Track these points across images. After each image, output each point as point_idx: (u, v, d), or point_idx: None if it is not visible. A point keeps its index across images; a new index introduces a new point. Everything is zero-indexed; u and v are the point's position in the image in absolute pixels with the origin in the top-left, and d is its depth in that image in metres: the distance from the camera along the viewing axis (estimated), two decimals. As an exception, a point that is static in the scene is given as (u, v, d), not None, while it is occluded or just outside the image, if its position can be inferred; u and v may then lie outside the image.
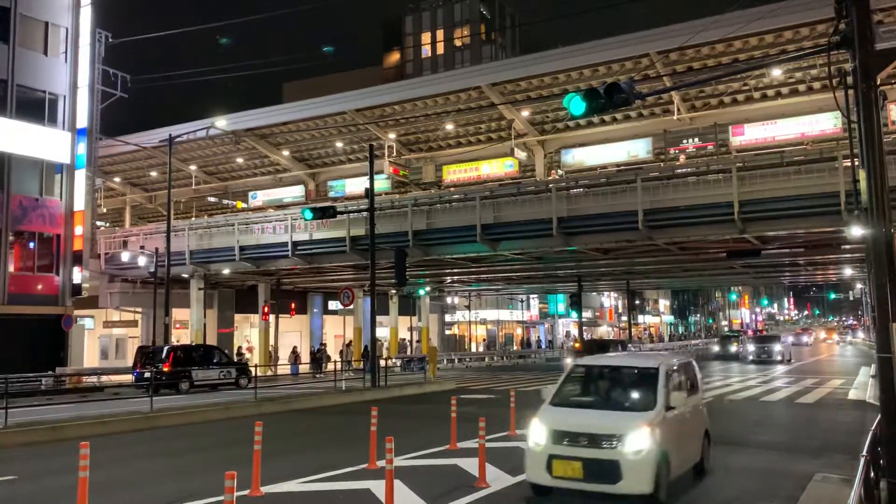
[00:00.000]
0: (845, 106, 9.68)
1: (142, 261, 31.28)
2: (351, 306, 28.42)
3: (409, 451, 11.48)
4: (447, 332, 58.01)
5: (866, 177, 6.99)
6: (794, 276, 49.08)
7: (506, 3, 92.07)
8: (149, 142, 35.19)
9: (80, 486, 7.03)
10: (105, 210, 44.11)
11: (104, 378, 28.95)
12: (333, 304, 43.89)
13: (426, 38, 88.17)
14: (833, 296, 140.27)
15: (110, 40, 33.30)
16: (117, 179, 42.78)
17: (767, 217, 21.46)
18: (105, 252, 34.88)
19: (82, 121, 29.89)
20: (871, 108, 6.94)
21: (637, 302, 72.56)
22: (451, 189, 32.52)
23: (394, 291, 41.29)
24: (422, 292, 41.91)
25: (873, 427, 7.84)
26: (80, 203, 29.67)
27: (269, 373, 32.29)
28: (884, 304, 6.70)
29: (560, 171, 31.72)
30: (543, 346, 63.83)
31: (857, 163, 12.38)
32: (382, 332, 41.72)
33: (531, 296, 63.91)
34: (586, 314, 64.37)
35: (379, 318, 28.14)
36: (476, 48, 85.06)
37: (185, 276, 33.45)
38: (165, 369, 24.35)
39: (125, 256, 32.57)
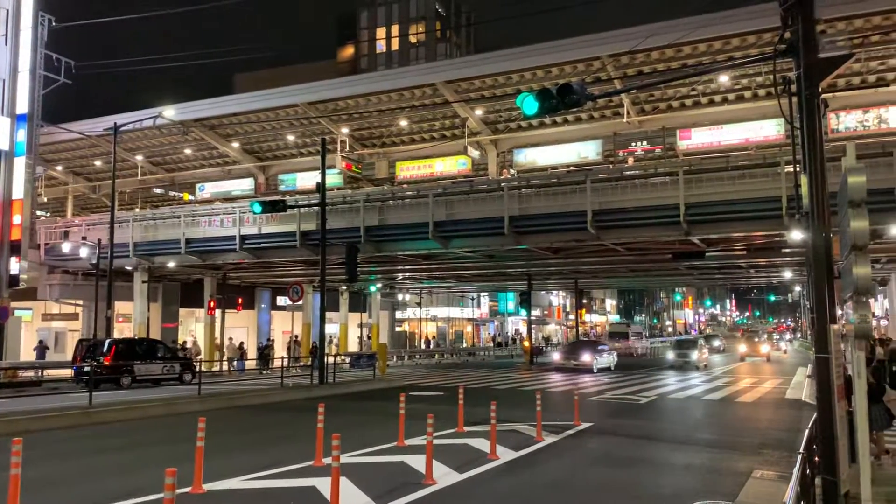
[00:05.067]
0: (789, 113, 9.94)
1: (83, 252, 30.44)
2: (300, 302, 28.10)
3: (357, 448, 11.41)
4: (398, 328, 57.90)
5: (808, 182, 7.18)
6: (736, 278, 50.37)
7: (461, 1, 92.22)
8: (93, 130, 34.22)
9: (11, 483, 6.78)
10: (46, 199, 42.77)
11: (42, 372, 28.05)
12: (282, 300, 43.38)
13: (381, 33, 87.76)
14: (773, 298, 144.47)
15: (54, 24, 32.24)
16: (59, 168, 41.49)
17: (712, 220, 21.94)
18: (45, 242, 33.82)
19: (23, 106, 28.87)
20: (813, 114, 7.13)
21: (584, 301, 73.48)
22: (404, 185, 32.44)
23: (344, 287, 40.98)
24: (373, 289, 41.72)
25: (809, 425, 8.08)
26: (18, 191, 28.66)
27: (215, 368, 31.73)
28: (822, 306, 6.89)
29: (512, 171, 31.91)
30: (493, 344, 64.14)
31: (798, 168, 12.75)
32: (332, 329, 41.38)
33: (482, 293, 64.21)
34: (535, 312, 64.87)
35: (329, 315, 27.89)
36: (431, 45, 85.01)
37: (129, 268, 32.65)
38: (106, 363, 23.71)
39: (66, 247, 31.62)
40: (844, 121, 25.98)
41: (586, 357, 33.23)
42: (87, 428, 14.49)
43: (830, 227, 7.12)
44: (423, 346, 56.14)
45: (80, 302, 35.11)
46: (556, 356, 36.92)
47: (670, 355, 37.69)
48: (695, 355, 35.94)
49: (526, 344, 41.97)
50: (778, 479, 9.23)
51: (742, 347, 46.82)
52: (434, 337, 62.04)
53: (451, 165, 33.02)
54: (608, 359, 34.89)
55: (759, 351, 45.46)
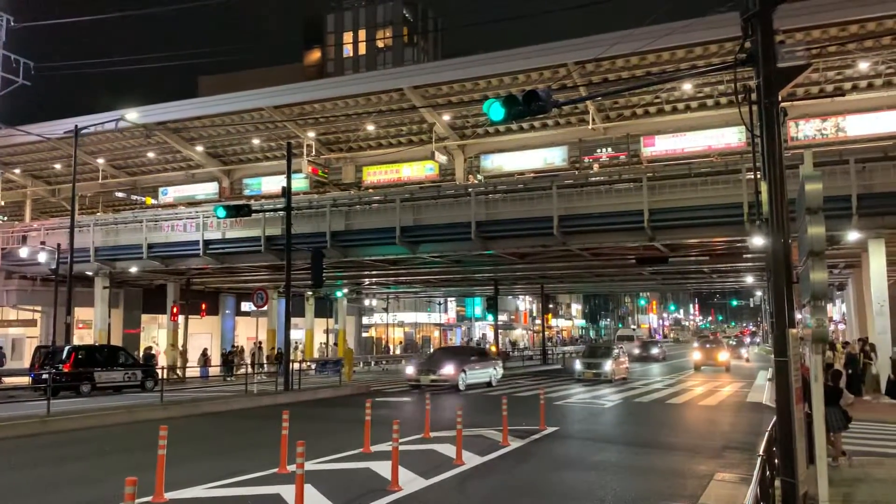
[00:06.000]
0: (749, 121, 10.13)
1: (42, 257, 29.79)
2: (265, 308, 27.81)
3: (322, 455, 11.32)
4: (364, 334, 57.66)
5: (767, 189, 7.31)
6: (699, 282, 51.02)
7: (428, 6, 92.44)
8: (53, 133, 33.51)
9: (-35, 495, 6.61)
10: (3, 203, 41.77)
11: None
12: (246, 306, 42.90)
13: (348, 37, 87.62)
14: (735, 303, 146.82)
15: (12, 24, 31.62)
16: (17, 171, 40.56)
17: (675, 225, 22.25)
18: (2, 247, 33.05)
19: (-21, 108, 28.24)
20: (773, 123, 7.26)
21: (551, 305, 73.98)
22: (371, 190, 32.32)
23: (310, 293, 40.67)
24: (339, 294, 41.47)
25: (769, 428, 8.22)
26: (-26, 194, 28.02)
27: (177, 375, 31.28)
28: (781, 310, 7.01)
29: (479, 176, 31.99)
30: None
31: (759, 175, 12.99)
32: (298, 335, 41.04)
33: (449, 298, 64.26)
34: (502, 317, 65.12)
35: (294, 320, 27.68)
36: (398, 50, 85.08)
37: (90, 273, 32.03)
38: (66, 370, 23.24)
39: (24, 252, 30.94)
40: (803, 129, 26.53)
41: (449, 370, 25.11)
42: (44, 437, 14.17)
43: (789, 233, 7.25)
44: (382, 351, 56.01)
45: (39, 308, 34.35)
46: (409, 370, 27.05)
47: (577, 366, 30.27)
48: (607, 366, 28.76)
49: (493, 349, 42.07)
50: (739, 481, 9.37)
51: (696, 355, 38.79)
52: (401, 342, 61.94)
53: (418, 170, 32.99)
54: (488, 372, 27.31)
55: (716, 359, 37.77)
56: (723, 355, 37.77)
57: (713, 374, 34.81)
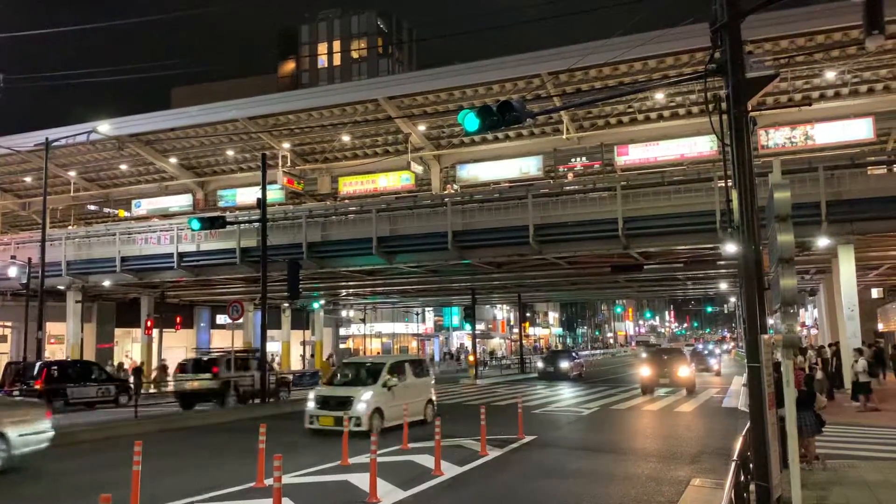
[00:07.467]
0: (720, 129, 10.27)
1: (13, 271, 29.35)
2: (240, 320, 27.57)
3: (299, 468, 11.24)
4: (342, 345, 57.37)
5: (738, 197, 7.43)
6: (674, 289, 51.50)
7: (403, 17, 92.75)
8: (23, 145, 33.04)
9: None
10: (-29, 217, 41.09)
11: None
12: (222, 318, 42.54)
13: (322, 48, 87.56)
14: (710, 309, 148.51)
15: (-19, 36, 31.18)
16: (-14, 184, 39.97)
17: (649, 233, 22.49)
18: (-29, 262, 32.44)
19: (-54, 120, 27.79)
20: (742, 132, 7.38)
21: (528, 314, 74.10)
22: (347, 201, 32.28)
23: (286, 304, 40.45)
24: (316, 305, 41.26)
25: (743, 433, 8.31)
26: (-58, 209, 27.54)
27: (153, 389, 30.88)
28: (753, 316, 7.11)
29: (455, 186, 32.10)
30: (437, 359, 64.05)
31: (730, 184, 13.18)
32: (274, 347, 40.75)
33: (426, 308, 64.18)
34: (480, 326, 65.09)
35: (270, 333, 27.50)
36: (373, 61, 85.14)
37: (62, 287, 31.60)
38: (37, 387, 22.83)
39: (-7, 267, 30.45)
40: (773, 137, 26.97)
41: None
42: (15, 455, 13.87)
43: (760, 240, 7.35)
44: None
45: (10, 323, 33.82)
46: None
47: (310, 404, 15.93)
48: (362, 404, 15.07)
49: (471, 358, 42.04)
50: (715, 486, 9.45)
51: (644, 371, 26.76)
52: (379, 353, 61.69)
53: (394, 181, 33.01)
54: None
55: (675, 376, 26.15)
56: (683, 370, 26.50)
57: (669, 396, 25.26)
